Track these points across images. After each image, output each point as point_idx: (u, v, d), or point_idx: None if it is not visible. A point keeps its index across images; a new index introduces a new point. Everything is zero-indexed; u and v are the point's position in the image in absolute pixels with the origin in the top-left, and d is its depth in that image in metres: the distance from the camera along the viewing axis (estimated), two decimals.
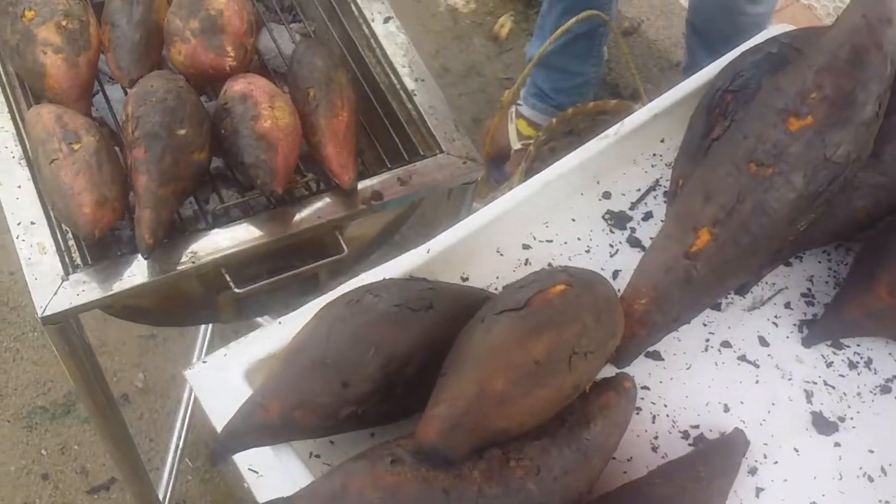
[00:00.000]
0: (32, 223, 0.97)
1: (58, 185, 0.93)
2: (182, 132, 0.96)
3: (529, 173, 1.94)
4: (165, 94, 0.97)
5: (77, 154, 0.94)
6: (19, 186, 1.00)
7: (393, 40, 1.19)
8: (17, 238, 0.96)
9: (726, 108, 0.77)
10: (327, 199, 1.05)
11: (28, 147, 1.01)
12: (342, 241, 1.04)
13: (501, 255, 0.87)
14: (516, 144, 2.24)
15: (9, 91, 1.06)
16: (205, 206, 1.06)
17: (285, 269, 1.04)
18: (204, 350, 1.82)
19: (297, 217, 1.02)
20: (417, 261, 0.80)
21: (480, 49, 2.46)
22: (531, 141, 2.22)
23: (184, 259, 0.97)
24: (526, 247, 0.88)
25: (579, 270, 0.66)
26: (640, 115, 0.94)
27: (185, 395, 1.79)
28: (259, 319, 1.31)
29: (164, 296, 1.03)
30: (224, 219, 1.03)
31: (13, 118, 1.04)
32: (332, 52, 1.10)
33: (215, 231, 1.00)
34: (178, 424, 1.76)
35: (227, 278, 1.00)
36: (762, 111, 0.68)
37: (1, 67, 1.07)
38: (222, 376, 0.72)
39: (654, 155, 0.97)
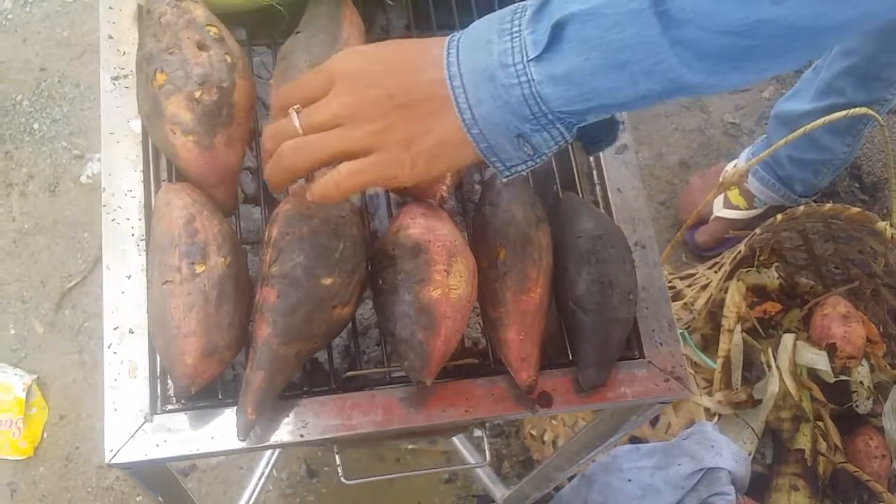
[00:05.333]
0: (131, 331, 0.80)
1: (163, 316, 0.74)
2: (328, 282, 0.75)
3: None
4: (321, 225, 0.76)
5: (196, 281, 0.74)
6: (129, 277, 0.82)
7: (620, 174, 0.93)
8: (108, 347, 0.79)
9: None
10: (482, 387, 0.83)
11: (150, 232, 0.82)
12: (486, 447, 0.83)
13: None
14: (719, 210, 1.93)
15: (150, 148, 0.87)
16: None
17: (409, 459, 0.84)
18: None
19: (441, 404, 0.81)
20: None
21: None
22: (738, 212, 1.92)
23: (292, 429, 0.78)
24: None
25: None
26: None
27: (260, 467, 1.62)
28: None
29: None
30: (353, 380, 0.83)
31: (146, 183, 0.85)
32: (535, 201, 0.85)
33: (339, 398, 0.80)
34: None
35: (338, 461, 0.81)
36: None
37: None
38: None
39: None
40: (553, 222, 0.86)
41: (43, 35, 1.96)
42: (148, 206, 0.85)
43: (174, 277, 0.75)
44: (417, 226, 0.79)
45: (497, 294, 0.81)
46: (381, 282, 0.79)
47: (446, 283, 0.77)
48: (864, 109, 1.49)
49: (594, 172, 0.94)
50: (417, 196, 0.83)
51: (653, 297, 0.88)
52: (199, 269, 0.75)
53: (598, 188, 0.93)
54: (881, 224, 1.65)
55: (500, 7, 1.00)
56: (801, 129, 1.48)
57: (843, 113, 1.48)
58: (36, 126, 1.89)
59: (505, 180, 0.67)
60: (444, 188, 0.80)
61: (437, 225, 0.80)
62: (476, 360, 0.84)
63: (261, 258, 0.78)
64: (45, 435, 1.68)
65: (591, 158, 0.94)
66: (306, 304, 0.74)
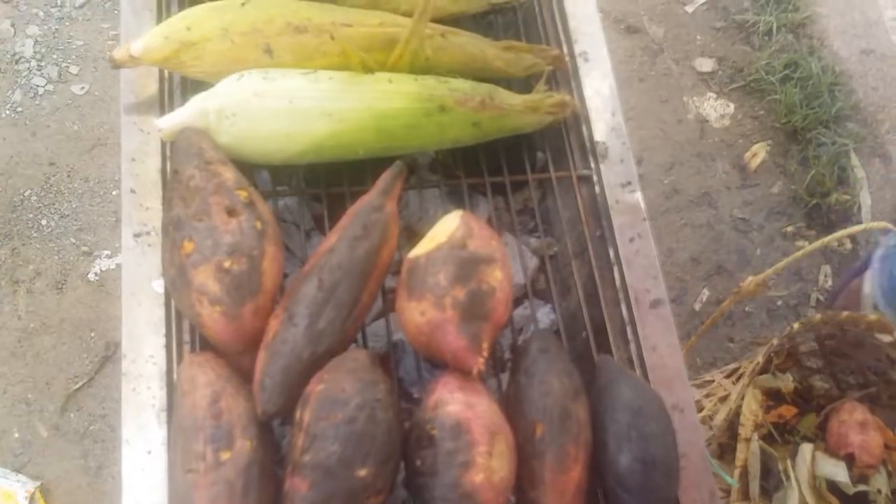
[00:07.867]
0: None
1: None
2: (363, 473, 0.72)
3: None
4: (357, 411, 0.72)
5: (222, 470, 0.71)
6: (149, 452, 0.79)
7: (655, 330, 0.91)
8: None
9: None
10: None
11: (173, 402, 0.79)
12: None
13: None
14: None
15: (172, 310, 0.84)
16: None
17: None
18: None
19: None
20: None
21: (721, 175, 2.12)
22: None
23: None
24: None
25: None
26: None
27: None
28: None
29: None
30: None
31: (168, 348, 0.83)
32: (572, 368, 0.83)
33: None
34: None
35: None
36: None
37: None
38: None
39: None
40: (588, 389, 0.84)
41: (52, 129, 1.94)
42: (170, 373, 0.82)
43: (198, 466, 0.71)
44: (456, 402, 0.76)
45: (534, 472, 0.78)
46: (418, 462, 0.76)
47: (489, 465, 0.74)
48: None
49: (628, 328, 0.91)
50: (453, 366, 0.80)
51: (693, 465, 0.85)
52: (223, 456, 0.72)
53: (632, 345, 0.90)
54: None
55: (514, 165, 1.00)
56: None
57: None
58: (44, 222, 1.86)
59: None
60: (481, 360, 0.77)
61: (476, 400, 0.77)
62: None
63: (290, 440, 0.75)
64: None
65: (625, 314, 0.91)
66: (339, 497, 0.71)
